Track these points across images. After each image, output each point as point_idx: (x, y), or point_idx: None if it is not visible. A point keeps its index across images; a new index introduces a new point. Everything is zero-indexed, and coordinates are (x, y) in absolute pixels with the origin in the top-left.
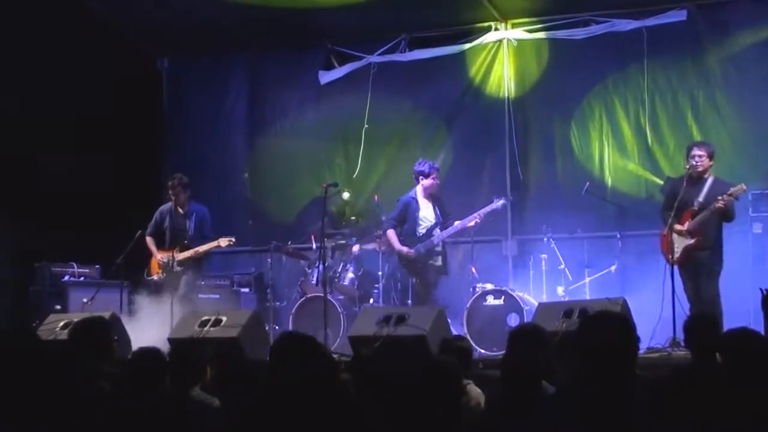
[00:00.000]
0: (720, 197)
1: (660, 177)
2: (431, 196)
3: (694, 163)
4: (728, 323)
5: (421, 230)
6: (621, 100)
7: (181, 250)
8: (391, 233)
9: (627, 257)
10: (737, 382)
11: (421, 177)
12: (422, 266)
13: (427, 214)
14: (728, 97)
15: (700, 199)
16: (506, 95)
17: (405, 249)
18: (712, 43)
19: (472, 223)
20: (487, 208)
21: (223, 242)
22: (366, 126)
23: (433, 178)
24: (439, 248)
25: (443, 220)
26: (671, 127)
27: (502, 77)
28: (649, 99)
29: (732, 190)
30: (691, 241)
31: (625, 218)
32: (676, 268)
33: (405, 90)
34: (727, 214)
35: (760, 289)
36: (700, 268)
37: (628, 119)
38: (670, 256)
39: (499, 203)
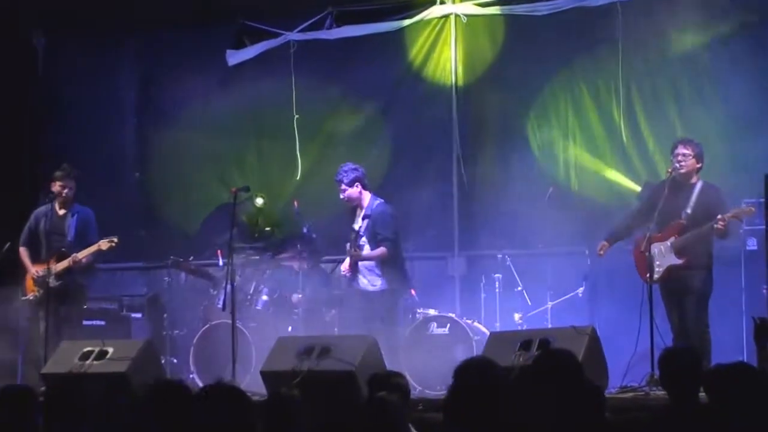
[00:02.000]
0: (720, 217)
1: (637, 181)
2: (360, 205)
3: (677, 164)
4: (717, 357)
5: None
6: (590, 89)
7: (59, 260)
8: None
9: (597, 277)
10: (724, 427)
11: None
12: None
13: (352, 228)
14: (718, 86)
15: (689, 210)
16: (453, 82)
17: (342, 265)
18: (698, 22)
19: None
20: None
21: (104, 245)
22: (297, 116)
23: (341, 191)
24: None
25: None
26: (650, 122)
27: (449, 60)
28: (623, 87)
29: (737, 211)
30: (679, 261)
31: (596, 231)
32: (657, 292)
33: (331, 74)
34: (724, 234)
35: (753, 318)
36: (686, 293)
37: (599, 111)
38: (648, 275)
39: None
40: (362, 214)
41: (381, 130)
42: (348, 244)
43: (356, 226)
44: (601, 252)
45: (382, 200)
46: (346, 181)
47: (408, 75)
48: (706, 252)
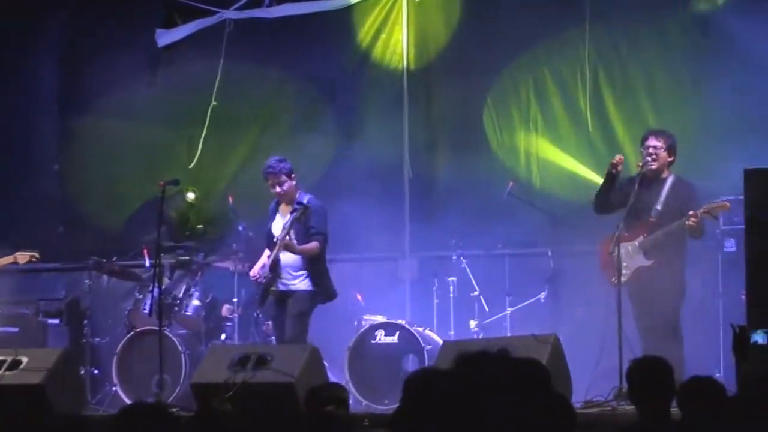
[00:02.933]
0: (692, 213)
1: (604, 175)
2: (287, 201)
3: (647, 157)
4: (691, 368)
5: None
6: (554, 75)
7: None
8: (267, 250)
9: (561, 281)
10: None
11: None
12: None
13: (277, 225)
14: (694, 72)
15: (659, 207)
16: (404, 65)
17: (252, 272)
18: (673, 5)
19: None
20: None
21: (22, 258)
22: (214, 103)
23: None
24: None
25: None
26: (619, 111)
27: (400, 42)
28: (590, 73)
29: (709, 206)
30: (647, 263)
31: (559, 230)
32: (625, 296)
33: (270, 56)
34: (696, 232)
35: (732, 326)
36: (656, 297)
37: (564, 99)
38: (615, 278)
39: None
40: (290, 210)
41: (324, 118)
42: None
43: (281, 222)
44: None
45: (312, 195)
46: (285, 172)
47: (355, 58)
48: (678, 253)
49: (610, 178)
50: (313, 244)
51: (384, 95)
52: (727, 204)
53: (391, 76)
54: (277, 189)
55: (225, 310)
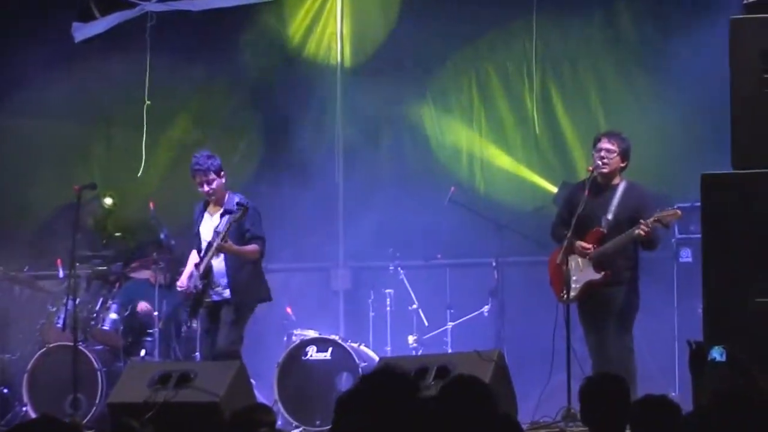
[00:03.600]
0: (642, 223)
1: (553, 181)
2: (216, 201)
3: (599, 161)
4: (645, 387)
5: (202, 254)
6: (499, 72)
7: None
8: (192, 256)
9: (506, 294)
10: None
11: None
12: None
13: (207, 228)
14: (649, 70)
15: (609, 216)
16: (338, 62)
17: (179, 282)
18: None
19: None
20: (233, 218)
21: None
22: (147, 102)
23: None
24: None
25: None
26: (569, 111)
27: (334, 37)
28: (538, 70)
29: (660, 214)
30: (597, 276)
31: (504, 239)
32: (574, 311)
33: (196, 52)
34: (648, 243)
35: (688, 342)
36: (607, 313)
37: (509, 98)
38: (564, 293)
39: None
40: (220, 211)
41: (253, 118)
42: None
43: (211, 224)
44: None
45: (243, 196)
46: (214, 169)
47: (286, 54)
48: (630, 265)
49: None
50: (253, 247)
51: (317, 93)
52: (679, 212)
53: (324, 73)
54: (206, 187)
55: (141, 306)
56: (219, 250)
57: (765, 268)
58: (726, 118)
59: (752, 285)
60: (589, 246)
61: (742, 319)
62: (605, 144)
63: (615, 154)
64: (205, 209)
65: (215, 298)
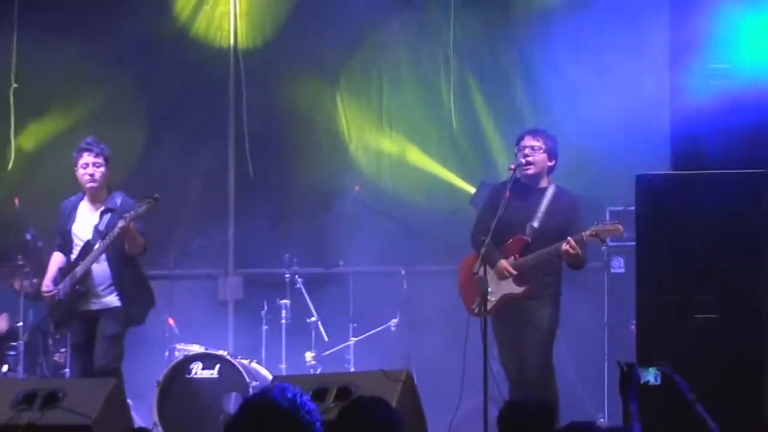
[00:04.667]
0: (569, 240)
1: (471, 181)
2: (95, 196)
3: (522, 159)
4: (570, 412)
5: (75, 256)
6: (413, 61)
7: None
8: (55, 258)
9: (416, 306)
10: None
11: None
12: (77, 315)
13: (84, 226)
14: (580, 60)
15: (535, 223)
16: (232, 44)
17: (45, 286)
18: None
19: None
20: (140, 209)
21: None
22: (15, 85)
23: (87, 166)
24: (92, 287)
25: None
26: (490, 105)
27: (226, 15)
28: (456, 60)
29: (598, 228)
30: (518, 290)
31: (416, 244)
32: (490, 327)
33: (69, 30)
34: (575, 262)
35: (619, 363)
36: (525, 328)
37: (423, 89)
38: (476, 305)
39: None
40: (101, 208)
41: (135, 104)
42: (96, 243)
43: (89, 223)
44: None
45: (123, 193)
46: (105, 155)
47: (172, 33)
48: (554, 279)
49: None
50: (142, 239)
51: (208, 79)
52: (621, 227)
53: (216, 56)
54: (91, 170)
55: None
56: (122, 233)
57: (705, 280)
58: (665, 114)
59: (691, 299)
60: (513, 271)
61: (679, 338)
62: (529, 141)
63: (541, 152)
64: (77, 206)
65: (94, 307)
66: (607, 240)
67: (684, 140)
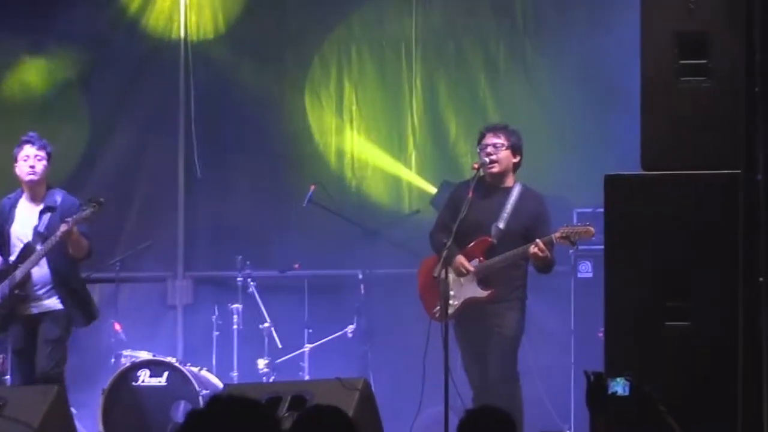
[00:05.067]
0: (538, 242)
1: (433, 180)
2: (35, 192)
3: (485, 158)
4: (534, 423)
5: (14, 257)
6: (374, 52)
7: None
8: None
9: (375, 311)
10: None
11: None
12: (17, 320)
13: (23, 227)
14: (548, 55)
15: (500, 224)
16: (183, 36)
17: None
18: None
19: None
20: (83, 214)
21: None
22: None
23: (27, 158)
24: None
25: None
26: (454, 100)
27: (177, 6)
28: (420, 51)
29: (568, 230)
30: (483, 294)
31: (375, 246)
32: (452, 332)
33: (8, 21)
34: (543, 265)
35: (585, 373)
36: (491, 335)
37: (384, 84)
38: (437, 310)
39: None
40: (40, 207)
41: (79, 98)
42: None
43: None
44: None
45: (64, 191)
46: (48, 150)
47: (120, 24)
48: (520, 283)
49: None
50: (86, 242)
51: (157, 73)
52: (592, 229)
53: (166, 48)
54: (35, 165)
55: None
56: (65, 236)
57: (677, 287)
58: (636, 112)
59: (662, 306)
60: (471, 267)
61: (649, 346)
62: (491, 139)
63: (503, 149)
64: (15, 204)
65: (34, 310)
66: (577, 243)
67: (657, 137)
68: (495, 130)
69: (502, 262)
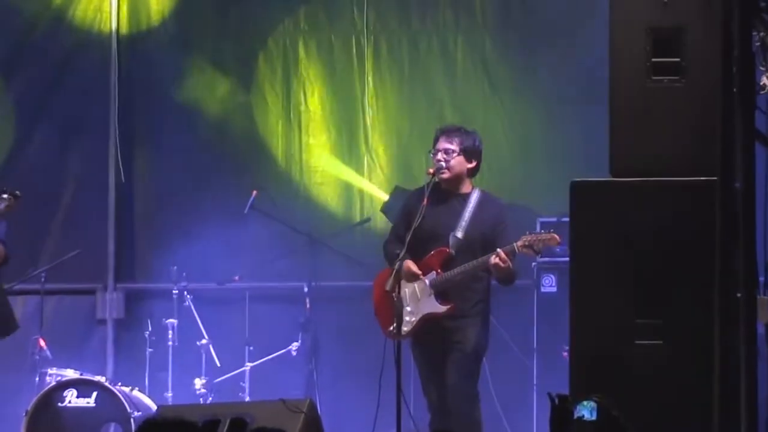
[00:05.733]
0: (499, 252)
1: (385, 186)
2: None
3: (438, 163)
4: None
5: None
6: (322, 48)
7: None
8: None
9: (322, 326)
10: None
11: None
12: None
13: None
14: (509, 53)
15: (458, 233)
16: (112, 29)
17: None
18: None
19: None
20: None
21: None
22: None
23: None
24: None
25: None
26: (409, 99)
27: None
28: (372, 47)
29: (532, 237)
30: (441, 308)
31: (323, 257)
32: (408, 351)
33: None
34: (505, 276)
35: (549, 396)
36: (450, 353)
37: (333, 81)
38: (393, 327)
39: None
40: None
41: (1, 95)
42: None
43: None
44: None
45: None
46: None
47: (45, 15)
48: (482, 296)
49: None
50: (1, 248)
51: (86, 68)
52: (557, 237)
53: (95, 42)
54: None
55: None
56: None
57: (648, 302)
58: (603, 114)
59: (632, 322)
60: (418, 272)
61: (618, 367)
62: (443, 143)
63: (455, 155)
64: None
65: None
66: (541, 252)
67: (627, 141)
68: (448, 133)
69: (462, 274)
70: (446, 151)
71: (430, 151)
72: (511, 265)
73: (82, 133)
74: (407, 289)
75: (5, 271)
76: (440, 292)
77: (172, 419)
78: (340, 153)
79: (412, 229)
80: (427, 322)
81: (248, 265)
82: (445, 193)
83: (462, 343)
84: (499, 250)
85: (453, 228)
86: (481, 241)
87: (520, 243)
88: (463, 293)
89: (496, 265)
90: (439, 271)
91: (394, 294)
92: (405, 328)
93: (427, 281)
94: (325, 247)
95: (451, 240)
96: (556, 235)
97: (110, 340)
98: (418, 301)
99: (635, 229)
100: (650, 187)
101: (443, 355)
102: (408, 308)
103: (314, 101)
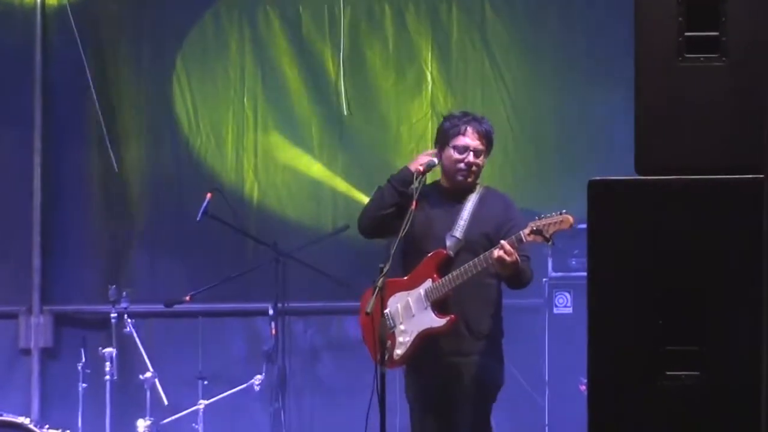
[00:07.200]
0: (504, 243)
1: (365, 187)
2: None
3: (461, 164)
4: None
5: None
6: (287, 18)
7: None
8: None
9: (291, 356)
10: None
11: None
12: None
13: None
14: (515, 27)
15: (457, 233)
16: (38, 0)
17: None
18: None
19: None
20: None
21: None
22: None
23: None
24: None
25: None
26: (393, 82)
27: None
28: (348, 17)
29: (542, 222)
30: (439, 322)
31: (289, 273)
32: (401, 379)
33: None
34: (513, 275)
35: None
36: (453, 381)
37: (302, 62)
38: (381, 354)
39: None
40: None
41: None
42: None
43: None
44: None
45: None
46: None
47: None
48: (491, 311)
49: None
50: None
51: (8, 46)
52: (570, 218)
53: (16, 14)
54: None
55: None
56: None
57: (681, 324)
58: (629, 99)
59: (660, 348)
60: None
61: (645, 403)
62: (473, 140)
63: (483, 156)
64: None
65: None
66: (549, 267)
67: (655, 134)
68: (479, 122)
69: (462, 276)
70: (476, 152)
71: (447, 143)
72: (517, 258)
73: (2, 125)
74: (399, 304)
75: None
76: (437, 303)
77: None
78: (308, 147)
79: (402, 232)
80: (425, 340)
81: (201, 283)
82: (445, 192)
83: (470, 370)
84: (503, 242)
85: (450, 228)
86: (484, 242)
87: (527, 230)
88: (467, 303)
89: (500, 259)
90: (434, 277)
91: (379, 316)
92: (398, 351)
93: (421, 291)
94: (293, 260)
95: (448, 241)
96: (569, 216)
97: (36, 374)
98: (412, 317)
99: (666, 238)
100: (684, 186)
101: (445, 385)
102: (401, 326)
103: (275, 84)
